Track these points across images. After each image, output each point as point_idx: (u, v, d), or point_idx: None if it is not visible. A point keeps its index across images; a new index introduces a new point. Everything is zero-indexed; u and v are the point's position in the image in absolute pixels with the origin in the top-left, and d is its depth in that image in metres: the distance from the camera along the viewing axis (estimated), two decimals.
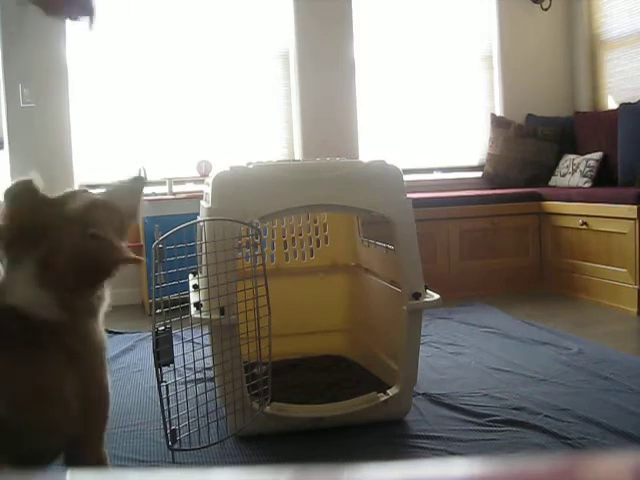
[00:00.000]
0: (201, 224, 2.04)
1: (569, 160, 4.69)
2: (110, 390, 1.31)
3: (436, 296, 2.12)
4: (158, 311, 1.82)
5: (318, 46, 4.78)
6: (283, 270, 2.86)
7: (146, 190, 4.89)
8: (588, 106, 5.09)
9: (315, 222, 2.90)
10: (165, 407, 1.85)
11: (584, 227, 3.96)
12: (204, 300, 1.96)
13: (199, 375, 2.04)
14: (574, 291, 4.07)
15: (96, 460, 1.30)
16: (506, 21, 5.11)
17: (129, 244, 4.69)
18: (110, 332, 3.51)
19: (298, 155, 4.81)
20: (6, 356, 1.17)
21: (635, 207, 3.56)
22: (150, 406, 2.39)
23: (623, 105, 4.46)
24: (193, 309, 2.00)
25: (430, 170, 5.11)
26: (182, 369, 1.99)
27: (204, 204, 2.24)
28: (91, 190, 1.42)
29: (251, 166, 2.16)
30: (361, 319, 2.75)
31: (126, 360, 3.03)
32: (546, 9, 5.13)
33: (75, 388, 1.21)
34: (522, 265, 4.38)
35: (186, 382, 1.90)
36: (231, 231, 1.97)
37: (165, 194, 4.40)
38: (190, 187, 4.57)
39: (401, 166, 2.24)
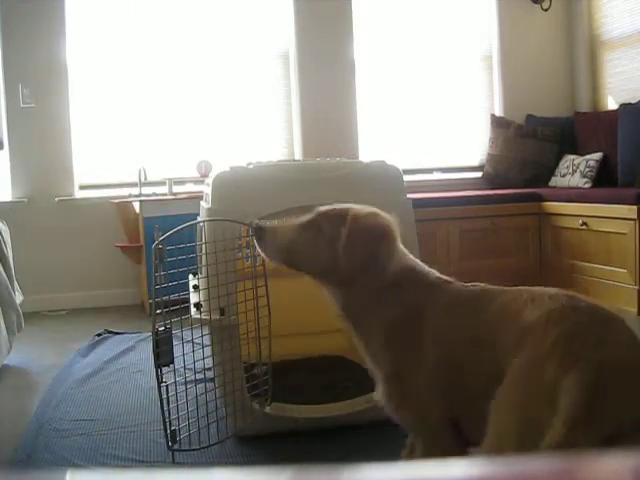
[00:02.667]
0: (201, 224, 2.04)
1: (569, 160, 4.68)
2: None
3: None
4: (158, 311, 1.81)
5: (318, 46, 4.78)
6: (283, 270, 2.85)
7: (146, 190, 4.87)
8: (588, 106, 5.09)
9: None
10: (165, 407, 1.85)
11: (584, 227, 3.96)
12: (204, 300, 1.96)
13: (199, 375, 2.04)
14: (574, 291, 4.06)
15: None
16: (506, 21, 5.11)
17: (129, 245, 4.64)
18: (110, 332, 3.51)
19: (298, 155, 4.81)
20: None
21: (635, 207, 3.56)
22: (150, 407, 2.39)
23: (623, 105, 4.46)
24: (193, 309, 2.00)
25: (430, 170, 5.11)
26: (182, 369, 1.99)
27: (204, 204, 2.24)
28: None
29: (251, 166, 2.16)
30: None
31: (126, 360, 3.03)
32: (546, 9, 5.13)
33: None
34: (522, 265, 4.38)
35: (186, 382, 1.90)
36: (231, 231, 1.97)
37: (165, 194, 4.40)
38: (190, 187, 4.57)
39: (401, 166, 2.24)
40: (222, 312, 1.94)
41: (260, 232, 1.57)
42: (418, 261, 1.53)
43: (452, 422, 1.39)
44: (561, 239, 4.22)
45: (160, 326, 1.84)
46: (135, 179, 4.46)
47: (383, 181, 2.17)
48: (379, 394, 1.48)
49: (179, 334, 1.86)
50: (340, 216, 1.50)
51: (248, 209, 2.00)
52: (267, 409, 2.04)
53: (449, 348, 1.36)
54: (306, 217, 1.54)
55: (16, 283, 3.20)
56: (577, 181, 4.51)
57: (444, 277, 1.51)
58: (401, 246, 1.52)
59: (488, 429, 1.18)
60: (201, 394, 1.93)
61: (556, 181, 4.71)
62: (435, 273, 1.52)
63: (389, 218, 1.50)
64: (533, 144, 4.89)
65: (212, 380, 2.16)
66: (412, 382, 1.42)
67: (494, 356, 1.25)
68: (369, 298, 1.47)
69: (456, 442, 1.40)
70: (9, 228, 3.33)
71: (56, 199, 4.41)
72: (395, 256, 1.48)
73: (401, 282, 1.46)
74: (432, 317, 1.41)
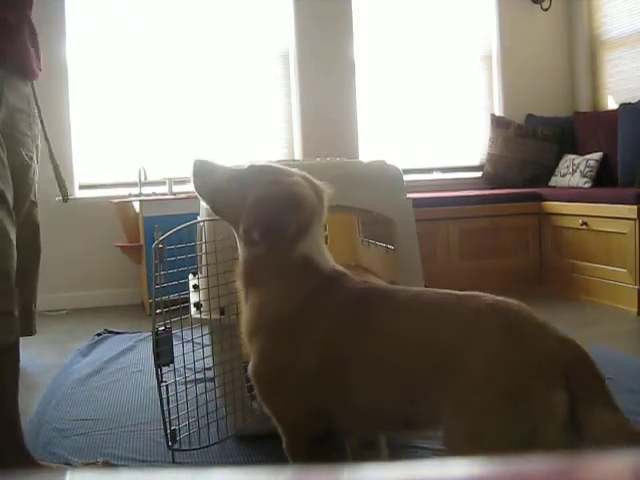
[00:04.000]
0: (201, 224, 2.04)
1: (569, 160, 4.69)
2: None
3: None
4: (158, 311, 1.82)
5: (318, 46, 4.78)
6: None
7: (146, 190, 4.85)
8: (588, 106, 5.09)
9: None
10: (165, 407, 1.85)
11: (584, 227, 3.96)
12: (204, 300, 1.96)
13: (199, 375, 2.04)
14: (574, 291, 4.07)
15: None
16: (506, 21, 5.11)
17: (129, 245, 4.63)
18: (110, 332, 3.51)
19: (298, 155, 4.81)
20: None
21: (635, 207, 3.56)
22: (150, 406, 2.39)
23: (623, 105, 4.47)
24: (193, 309, 2.00)
25: (430, 170, 5.11)
26: (182, 369, 1.99)
27: (204, 204, 2.24)
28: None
29: None
30: None
31: (126, 360, 3.03)
32: (546, 9, 5.14)
33: None
34: (522, 265, 4.38)
35: (186, 382, 1.90)
36: (231, 231, 1.97)
37: (165, 194, 4.40)
38: (190, 187, 4.55)
39: (401, 166, 2.24)
40: (222, 312, 1.94)
41: (197, 166, 1.54)
42: (328, 254, 1.44)
43: (318, 415, 1.38)
44: (561, 239, 4.22)
45: (160, 326, 1.84)
46: (135, 179, 4.46)
47: (383, 181, 2.17)
48: (250, 371, 1.42)
49: (179, 334, 1.86)
50: (262, 175, 1.42)
51: None
52: None
53: (341, 344, 1.32)
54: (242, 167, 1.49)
55: None
56: (577, 181, 4.51)
57: (342, 270, 1.43)
58: (320, 234, 1.43)
59: (458, 429, 1.18)
60: (201, 394, 1.93)
61: (556, 181, 4.72)
62: (341, 270, 1.43)
63: (313, 194, 1.40)
64: (533, 144, 4.89)
65: (212, 380, 2.16)
66: (285, 375, 1.38)
67: (413, 353, 1.25)
68: (269, 270, 1.39)
69: (317, 437, 1.42)
70: None
71: (56, 199, 4.38)
72: (308, 236, 1.38)
73: (305, 268, 1.37)
74: (329, 312, 1.35)
